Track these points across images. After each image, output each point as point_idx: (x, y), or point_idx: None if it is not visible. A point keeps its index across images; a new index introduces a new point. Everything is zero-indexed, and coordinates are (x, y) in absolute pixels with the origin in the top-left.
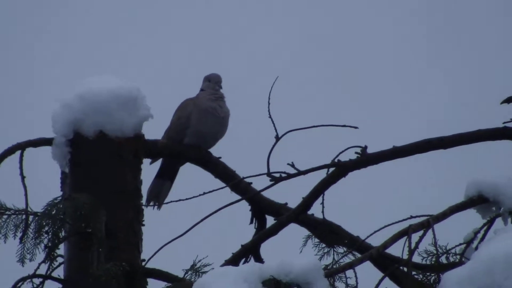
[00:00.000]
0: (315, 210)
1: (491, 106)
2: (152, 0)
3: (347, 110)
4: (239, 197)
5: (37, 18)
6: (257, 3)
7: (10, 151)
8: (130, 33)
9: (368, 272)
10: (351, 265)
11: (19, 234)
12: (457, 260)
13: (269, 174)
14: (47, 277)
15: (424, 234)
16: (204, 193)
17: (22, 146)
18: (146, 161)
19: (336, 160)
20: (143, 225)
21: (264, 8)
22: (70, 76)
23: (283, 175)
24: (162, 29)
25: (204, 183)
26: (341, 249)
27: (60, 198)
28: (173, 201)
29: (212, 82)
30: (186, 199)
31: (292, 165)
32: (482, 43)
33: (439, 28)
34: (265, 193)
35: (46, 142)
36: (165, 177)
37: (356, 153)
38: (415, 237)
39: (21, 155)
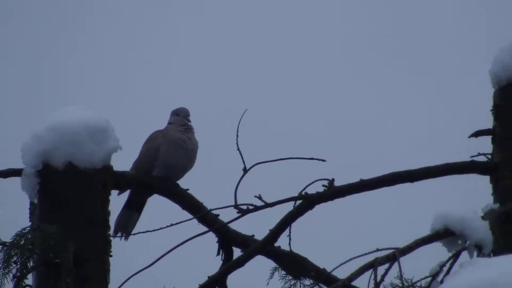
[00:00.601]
0: (282, 242)
1: (460, 140)
2: (121, 32)
3: (317, 141)
4: (206, 229)
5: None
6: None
7: None
8: (99, 63)
9: None
10: None
11: None
12: None
13: (236, 206)
14: None
15: (390, 267)
16: (172, 225)
17: None
18: (114, 192)
19: (303, 193)
20: (111, 255)
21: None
22: (40, 106)
23: (250, 207)
24: (132, 60)
25: (172, 214)
26: (307, 281)
27: (28, 228)
28: (141, 232)
29: (181, 116)
30: (153, 230)
31: (259, 197)
32: (452, 76)
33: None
34: (232, 225)
35: (15, 173)
36: (133, 208)
37: (324, 185)
38: (381, 269)
39: None
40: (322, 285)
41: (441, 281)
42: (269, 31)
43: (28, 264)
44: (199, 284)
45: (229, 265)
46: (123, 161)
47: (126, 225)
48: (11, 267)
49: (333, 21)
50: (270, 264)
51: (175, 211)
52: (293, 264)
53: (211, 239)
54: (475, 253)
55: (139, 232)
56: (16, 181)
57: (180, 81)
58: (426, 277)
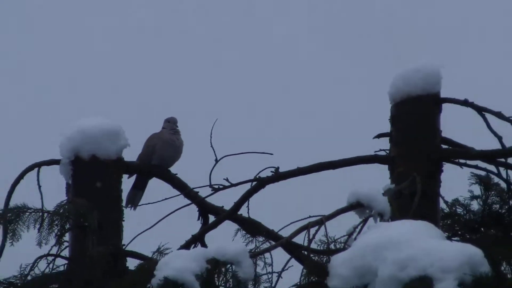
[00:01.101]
0: (243, 211)
1: (367, 139)
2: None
3: (270, 137)
4: (190, 202)
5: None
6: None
7: (30, 168)
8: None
9: (279, 255)
10: (268, 250)
11: (37, 226)
12: (342, 247)
13: (211, 186)
14: (57, 255)
15: (319, 228)
16: (165, 199)
17: (38, 165)
18: (124, 177)
19: (257, 176)
20: (124, 220)
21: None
22: (63, 108)
23: (220, 186)
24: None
25: (166, 192)
26: (261, 239)
27: (65, 201)
28: (144, 204)
29: (171, 123)
30: (153, 202)
31: (227, 180)
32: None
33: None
34: (208, 199)
35: (56, 162)
36: (138, 188)
37: (271, 171)
38: (313, 230)
39: (38, 171)
40: (271, 241)
41: (355, 239)
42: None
43: (65, 226)
44: (186, 241)
45: (206, 227)
46: (130, 155)
47: (133, 200)
48: (54, 228)
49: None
50: (235, 226)
51: (168, 190)
52: (250, 227)
53: (194, 209)
54: (378, 219)
55: (143, 204)
56: (56, 168)
57: (167, 84)
58: (344, 236)
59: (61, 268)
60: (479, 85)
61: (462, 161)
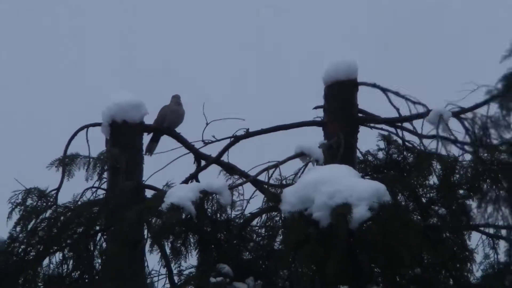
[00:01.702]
0: (225, 158)
1: (308, 110)
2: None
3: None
4: (188, 151)
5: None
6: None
7: (81, 128)
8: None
9: (248, 188)
10: (240, 184)
11: (85, 167)
12: (291, 183)
13: (203, 140)
14: (98, 188)
15: (275, 170)
16: (172, 149)
17: (87, 126)
18: (145, 134)
19: (234, 134)
20: (144, 164)
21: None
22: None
23: (209, 141)
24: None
25: (173, 145)
26: (236, 177)
27: (104, 151)
28: (158, 153)
29: (176, 98)
30: (164, 152)
31: (214, 136)
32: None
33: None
34: (201, 150)
35: (98, 124)
36: (154, 141)
37: (244, 131)
38: (271, 171)
39: (87, 130)
40: (243, 179)
41: (299, 176)
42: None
43: (105, 167)
44: (185, 177)
45: (199, 169)
46: (149, 119)
47: (150, 149)
48: (96, 169)
49: None
50: (219, 169)
51: (174, 143)
52: (229, 169)
53: (190, 156)
54: (315, 164)
55: (157, 153)
56: (99, 129)
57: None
58: (292, 175)
59: (101, 197)
60: None
61: (372, 125)
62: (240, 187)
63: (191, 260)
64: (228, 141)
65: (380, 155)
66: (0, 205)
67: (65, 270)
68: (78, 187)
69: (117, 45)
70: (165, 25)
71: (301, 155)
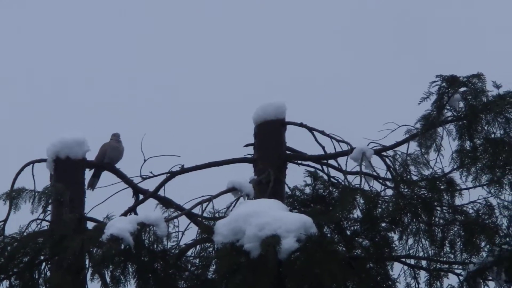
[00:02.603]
0: (161, 192)
1: (239, 147)
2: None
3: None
4: (127, 186)
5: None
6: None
7: (27, 164)
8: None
9: (183, 221)
10: (176, 217)
11: (31, 201)
12: (223, 216)
13: (141, 176)
14: (43, 219)
15: (208, 204)
16: (112, 184)
17: (33, 162)
18: (87, 170)
19: (170, 170)
20: (85, 197)
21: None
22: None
23: (147, 176)
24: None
25: (113, 180)
26: (172, 210)
27: (49, 185)
28: (99, 187)
29: (116, 136)
30: (105, 186)
31: (151, 172)
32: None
33: None
34: (139, 185)
35: (44, 160)
36: (95, 176)
37: (179, 167)
38: (205, 205)
39: (32, 166)
40: (178, 212)
41: (231, 210)
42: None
43: (49, 201)
44: (125, 210)
45: (137, 202)
46: (90, 155)
47: (92, 184)
48: (41, 202)
49: None
50: (155, 202)
51: (114, 178)
52: (165, 202)
53: (129, 191)
54: (246, 198)
55: (98, 187)
56: (44, 164)
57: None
58: (224, 208)
59: (46, 228)
60: None
61: (299, 161)
62: (175, 220)
63: None
64: (164, 176)
65: (307, 190)
66: None
67: None
68: (24, 219)
69: (59, 82)
70: (101, 63)
71: (233, 190)
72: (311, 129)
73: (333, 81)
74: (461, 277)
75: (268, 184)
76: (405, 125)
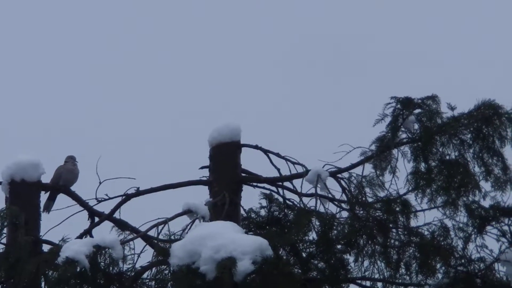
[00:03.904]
0: (116, 215)
1: (194, 169)
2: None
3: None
4: (82, 209)
5: None
6: None
7: None
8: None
9: (139, 243)
10: (132, 239)
11: None
12: (179, 238)
13: (96, 198)
14: None
15: (164, 226)
16: (68, 207)
17: None
18: (42, 192)
19: (125, 192)
20: (41, 220)
21: None
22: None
23: (102, 199)
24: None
25: (68, 202)
26: (127, 232)
27: (4, 208)
28: (54, 210)
29: (70, 158)
30: (60, 208)
31: (106, 195)
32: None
33: None
34: (95, 207)
35: None
36: (51, 199)
37: (135, 189)
38: (160, 227)
39: None
40: (134, 234)
41: (187, 232)
42: None
43: (4, 224)
44: (80, 233)
45: (93, 225)
46: (45, 178)
47: (47, 207)
48: None
49: None
50: (111, 224)
51: (69, 201)
52: (121, 224)
53: (85, 213)
54: (201, 220)
55: (53, 210)
56: None
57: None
58: (180, 230)
59: (1, 251)
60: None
61: (255, 184)
62: (131, 242)
63: None
64: (120, 199)
65: (263, 212)
66: None
67: None
68: None
69: (14, 102)
70: (55, 83)
71: (188, 212)
72: (266, 151)
73: (287, 104)
74: None
75: (224, 206)
76: (360, 147)
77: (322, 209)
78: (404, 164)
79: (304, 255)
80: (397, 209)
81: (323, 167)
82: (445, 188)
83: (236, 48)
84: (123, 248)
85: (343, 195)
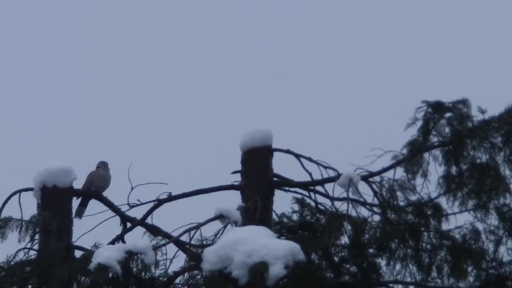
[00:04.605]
0: (149, 220)
1: (226, 173)
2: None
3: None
4: (114, 214)
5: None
6: None
7: (14, 193)
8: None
9: (171, 248)
10: (164, 245)
11: (18, 230)
12: (211, 243)
13: (128, 204)
14: (30, 248)
15: (196, 231)
16: (100, 212)
17: (19, 191)
18: (74, 198)
19: (157, 198)
20: (73, 226)
21: None
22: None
23: (134, 204)
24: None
25: (100, 208)
26: (160, 238)
27: (36, 214)
28: (86, 215)
29: (102, 164)
30: (92, 214)
31: (138, 200)
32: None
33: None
34: (127, 213)
35: (31, 189)
36: (83, 205)
37: (167, 194)
38: (192, 232)
39: (19, 195)
40: (166, 239)
41: (219, 237)
42: None
43: (36, 230)
44: (112, 238)
45: (125, 230)
46: (78, 184)
47: (79, 213)
48: (28, 231)
49: None
50: (143, 230)
51: (101, 207)
52: (153, 230)
53: (117, 219)
54: (233, 225)
55: (85, 215)
56: (31, 193)
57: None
58: (212, 236)
59: (33, 257)
60: None
61: (286, 188)
62: (163, 247)
63: None
64: (152, 204)
65: (295, 217)
66: None
67: None
68: (11, 248)
69: (45, 109)
70: (88, 90)
71: (220, 217)
72: (298, 156)
73: (319, 107)
74: None
75: (256, 211)
76: (392, 150)
77: (354, 213)
78: (435, 168)
79: (336, 259)
80: (429, 212)
81: (354, 171)
82: (476, 192)
83: (266, 50)
84: (155, 254)
85: (375, 199)
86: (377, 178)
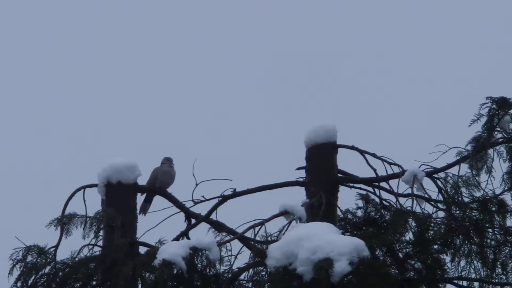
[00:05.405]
0: (213, 216)
1: (290, 169)
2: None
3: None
4: (179, 210)
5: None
6: None
7: (78, 189)
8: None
9: (236, 244)
10: (229, 241)
11: (82, 226)
12: (275, 239)
13: (193, 200)
14: (95, 245)
15: (260, 227)
16: (164, 208)
17: (84, 187)
18: (138, 194)
19: (222, 194)
20: (137, 222)
21: None
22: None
23: (199, 200)
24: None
25: (165, 204)
26: (224, 234)
27: (101, 210)
28: (151, 212)
29: (167, 160)
30: (157, 210)
31: (203, 196)
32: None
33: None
34: (191, 209)
35: (95, 185)
36: (147, 201)
37: (231, 191)
38: (257, 228)
39: (84, 191)
40: (230, 236)
41: (284, 233)
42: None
43: (100, 226)
44: (177, 234)
45: (189, 226)
46: (142, 180)
47: (144, 209)
48: (93, 227)
49: None
50: (208, 226)
51: (166, 203)
52: (218, 226)
53: (181, 215)
54: (298, 221)
55: (150, 212)
56: (95, 189)
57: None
58: (276, 232)
59: (97, 253)
60: None
61: (351, 184)
62: (228, 244)
63: None
64: (216, 200)
65: (359, 213)
66: (2, 262)
67: None
68: (75, 244)
69: (111, 109)
70: (151, 88)
71: (285, 213)
72: (362, 152)
73: (385, 103)
74: None
75: (320, 207)
76: (456, 147)
77: (418, 210)
78: (500, 164)
79: (400, 255)
80: (493, 208)
81: (419, 167)
82: None
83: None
84: (220, 250)
85: (439, 195)
86: (441, 175)
